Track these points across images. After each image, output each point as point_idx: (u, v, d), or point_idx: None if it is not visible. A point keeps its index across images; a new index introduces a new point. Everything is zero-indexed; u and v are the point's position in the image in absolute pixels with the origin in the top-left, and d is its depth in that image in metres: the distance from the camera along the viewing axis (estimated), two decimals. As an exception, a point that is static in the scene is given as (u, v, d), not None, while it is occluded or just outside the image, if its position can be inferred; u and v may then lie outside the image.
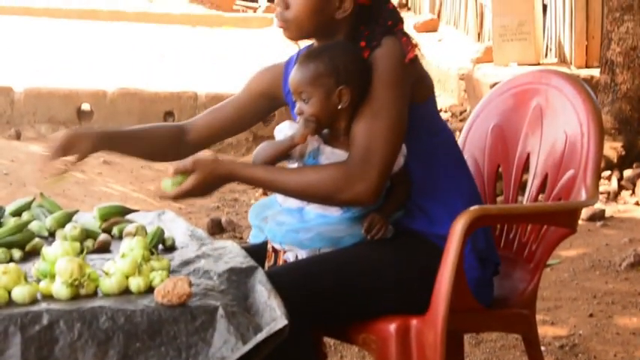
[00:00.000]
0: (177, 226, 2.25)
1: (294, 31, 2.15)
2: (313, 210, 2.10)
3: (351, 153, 2.04)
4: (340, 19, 2.12)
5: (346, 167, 2.02)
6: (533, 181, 2.44)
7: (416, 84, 2.12)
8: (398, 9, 2.19)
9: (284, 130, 2.12)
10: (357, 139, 2.04)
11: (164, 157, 2.40)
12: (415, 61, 2.10)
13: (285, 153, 2.09)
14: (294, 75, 2.09)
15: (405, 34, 2.12)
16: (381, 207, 2.10)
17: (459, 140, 2.63)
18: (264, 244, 2.19)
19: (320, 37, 2.15)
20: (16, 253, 2.01)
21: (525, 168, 2.48)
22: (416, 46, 2.11)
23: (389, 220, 2.12)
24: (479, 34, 9.01)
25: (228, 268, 1.94)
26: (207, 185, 2.08)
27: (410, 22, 10.21)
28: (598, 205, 5.05)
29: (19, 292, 1.77)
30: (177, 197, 2.08)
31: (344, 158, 2.05)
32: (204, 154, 2.35)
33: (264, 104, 2.36)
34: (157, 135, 2.35)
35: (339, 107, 2.06)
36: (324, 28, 2.13)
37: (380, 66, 2.06)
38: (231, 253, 2.04)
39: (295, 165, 2.11)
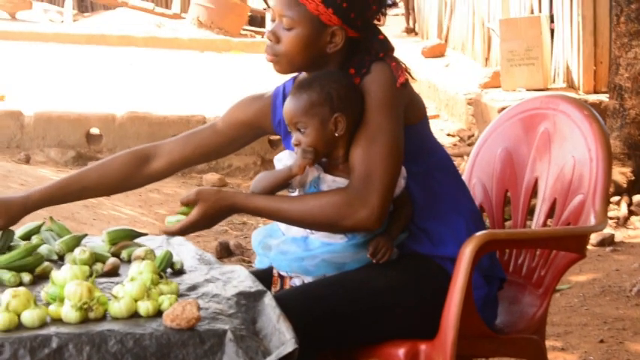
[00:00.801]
0: (185, 250, 2.25)
1: (285, 65, 2.15)
2: (318, 238, 2.10)
3: (351, 179, 2.05)
4: (331, 52, 2.13)
5: (348, 194, 2.02)
6: (541, 206, 2.44)
7: (408, 106, 2.13)
8: (403, 34, 2.20)
9: (283, 160, 2.12)
10: (356, 165, 2.04)
11: (124, 188, 2.37)
12: (406, 84, 2.10)
13: (283, 183, 2.09)
14: (288, 106, 2.09)
15: (394, 59, 2.12)
16: (385, 231, 2.10)
17: (467, 165, 2.63)
18: (270, 269, 2.19)
19: (310, 71, 2.16)
20: (26, 277, 2.02)
21: (534, 193, 2.48)
22: (406, 69, 2.12)
23: (394, 243, 2.12)
24: (486, 59, 9.05)
25: (236, 292, 1.94)
26: (210, 217, 2.09)
27: (417, 47, 10.26)
28: (608, 230, 5.04)
29: (29, 316, 1.77)
30: (182, 230, 2.10)
31: (344, 185, 2.06)
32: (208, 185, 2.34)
33: (247, 133, 2.35)
34: (109, 171, 2.32)
35: (336, 135, 2.07)
36: (315, 62, 2.13)
37: (372, 91, 2.07)
38: (239, 277, 2.04)
39: (295, 194, 2.12)
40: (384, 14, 2.18)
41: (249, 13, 13.35)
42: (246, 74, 9.55)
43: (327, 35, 2.11)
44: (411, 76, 2.13)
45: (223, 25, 12.41)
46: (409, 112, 2.12)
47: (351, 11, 2.09)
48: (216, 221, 2.11)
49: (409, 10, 14.06)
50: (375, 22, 2.16)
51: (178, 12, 13.28)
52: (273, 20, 2.15)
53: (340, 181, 2.07)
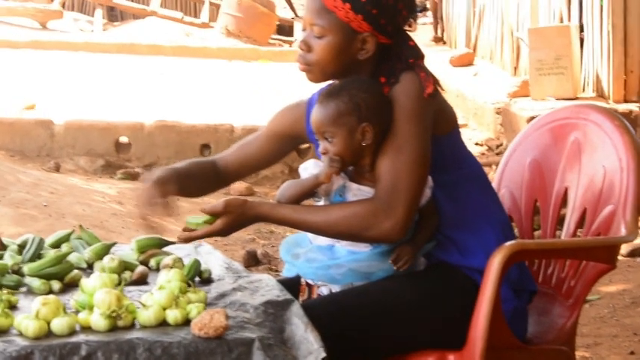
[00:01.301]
0: (213, 259, 2.26)
1: (317, 74, 2.15)
2: (343, 246, 2.10)
3: (377, 190, 2.04)
4: (363, 59, 2.12)
5: (373, 204, 2.02)
6: (571, 216, 2.42)
7: (437, 117, 2.12)
8: (432, 43, 2.20)
9: (309, 169, 2.12)
10: (382, 175, 2.04)
11: (203, 193, 2.40)
12: (434, 94, 2.10)
13: (309, 192, 2.09)
14: (316, 115, 2.10)
15: (424, 69, 2.12)
16: (410, 239, 2.10)
17: (496, 174, 2.62)
18: (298, 277, 2.19)
19: (343, 78, 2.15)
20: (56, 285, 2.03)
21: (563, 203, 2.46)
22: (434, 80, 2.11)
23: (419, 252, 2.12)
24: (515, 68, 9.00)
25: (264, 300, 1.94)
26: (235, 227, 2.10)
27: (445, 56, 10.23)
28: (638, 241, 4.98)
29: (58, 324, 1.78)
30: (203, 237, 2.10)
31: (370, 194, 2.06)
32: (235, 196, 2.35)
33: (286, 143, 2.36)
34: (200, 173, 2.34)
35: (363, 144, 2.07)
36: (346, 69, 2.13)
37: (400, 101, 2.07)
38: (267, 286, 2.04)
39: (321, 202, 2.12)
40: (415, 20, 2.17)
41: (277, 22, 13.39)
42: (274, 83, 9.58)
43: (358, 42, 2.11)
44: (440, 86, 2.13)
45: (251, 34, 12.46)
46: (439, 122, 2.12)
47: (382, 17, 2.09)
48: (237, 230, 2.12)
49: (437, 19, 14.03)
50: (406, 28, 2.16)
51: (207, 21, 13.34)
52: (304, 29, 2.16)
53: (366, 190, 2.07)
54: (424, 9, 2.54)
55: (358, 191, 2.08)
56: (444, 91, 2.17)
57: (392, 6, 2.10)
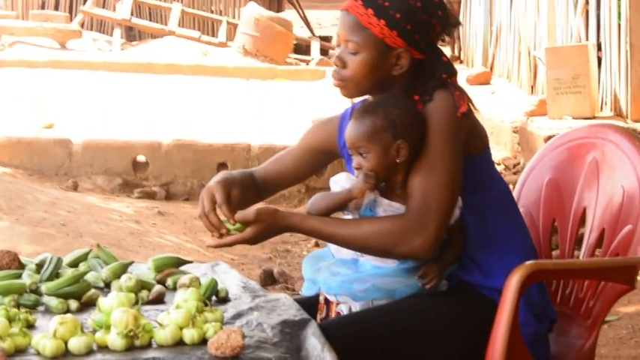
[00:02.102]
0: (230, 278, 2.26)
1: (352, 90, 2.16)
2: (368, 261, 2.10)
3: (408, 207, 2.04)
4: (397, 75, 2.13)
5: (404, 221, 2.03)
6: (589, 236, 2.40)
7: (469, 136, 2.12)
8: (451, 62, 2.21)
9: (340, 182, 2.13)
10: (415, 193, 2.04)
11: (250, 204, 2.36)
12: (468, 114, 2.10)
13: (341, 205, 2.10)
14: (351, 130, 2.10)
15: (458, 88, 2.12)
16: (436, 258, 2.09)
17: (514, 193, 2.61)
18: (316, 296, 2.18)
19: (377, 94, 2.17)
20: (73, 304, 2.03)
21: (581, 222, 2.45)
22: (469, 99, 2.11)
23: (445, 272, 2.11)
24: (532, 87, 8.99)
25: (281, 320, 1.94)
26: (265, 236, 2.11)
27: (462, 74, 10.23)
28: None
29: (76, 343, 1.78)
30: (233, 244, 2.10)
31: (400, 211, 2.06)
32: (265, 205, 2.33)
33: (319, 158, 2.37)
34: (250, 182, 2.32)
35: (397, 161, 2.07)
36: (381, 84, 2.14)
37: (433, 119, 2.07)
38: (284, 306, 2.04)
39: (350, 216, 2.12)
40: (448, 35, 2.18)
41: (295, 41, 13.44)
42: (291, 101, 9.60)
43: (392, 58, 2.11)
44: (473, 106, 2.13)
45: (269, 53, 12.50)
46: (470, 142, 2.12)
47: (416, 33, 2.10)
48: (266, 239, 2.13)
49: (454, 38, 14.06)
50: (440, 43, 2.17)
51: (224, 40, 13.41)
52: (338, 45, 2.17)
53: (396, 206, 2.08)
54: (457, 24, 2.51)
55: (389, 207, 2.08)
56: (477, 111, 2.17)
57: (426, 21, 2.11)
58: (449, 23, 2.16)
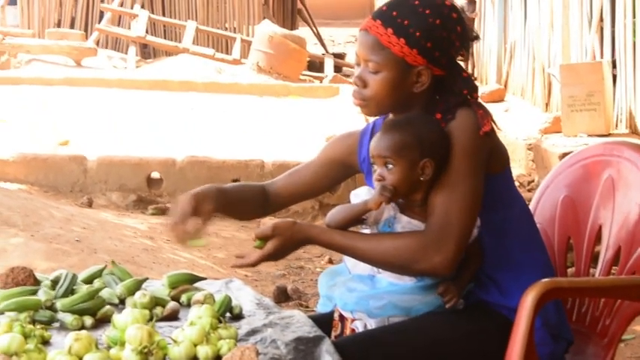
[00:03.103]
0: (244, 295, 2.26)
1: (373, 109, 2.16)
2: (385, 277, 2.10)
3: (428, 224, 2.04)
4: (418, 92, 2.13)
5: (424, 238, 2.02)
6: (605, 254, 2.39)
7: (491, 155, 2.12)
8: (472, 77, 2.20)
9: (361, 195, 2.13)
10: (436, 210, 2.04)
11: (250, 217, 2.41)
12: (490, 133, 2.10)
13: (358, 218, 2.09)
14: (379, 141, 2.10)
15: (481, 106, 2.12)
16: (454, 278, 2.09)
17: (529, 211, 2.60)
18: (331, 313, 2.18)
19: (398, 111, 2.17)
20: (88, 320, 2.04)
21: (597, 240, 2.43)
22: (491, 118, 2.11)
23: (462, 292, 2.10)
24: (547, 104, 8.98)
25: (295, 337, 1.94)
26: (285, 250, 2.10)
27: (476, 92, 10.24)
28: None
29: (91, 359, 1.79)
30: (257, 263, 2.10)
31: (419, 228, 2.05)
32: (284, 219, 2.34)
33: (338, 171, 2.36)
34: (250, 196, 2.34)
35: (421, 179, 2.07)
36: (402, 102, 2.14)
37: (456, 138, 2.07)
38: (298, 323, 2.04)
39: (368, 231, 2.11)
40: (467, 49, 2.18)
41: (308, 59, 13.48)
42: (304, 118, 9.62)
43: (413, 76, 2.11)
44: (496, 125, 2.13)
45: (282, 70, 12.54)
46: (492, 161, 2.12)
47: (436, 50, 2.10)
48: (288, 253, 2.13)
49: (468, 55, 14.03)
50: (459, 58, 2.17)
51: (238, 57, 13.47)
52: (357, 64, 2.17)
53: (415, 224, 2.07)
54: (476, 37, 2.52)
55: (408, 224, 2.08)
56: (499, 130, 2.17)
57: (446, 38, 2.10)
58: (468, 38, 2.16)
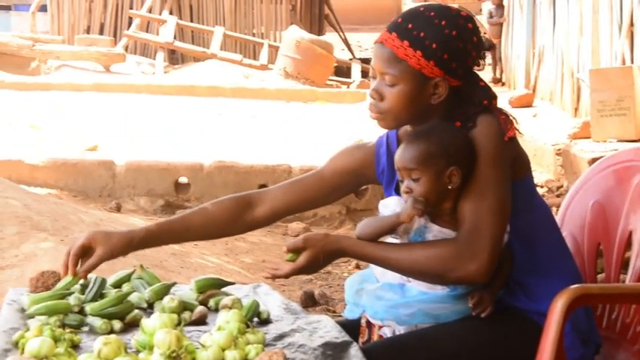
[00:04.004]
0: (272, 299, 2.26)
1: (391, 121, 2.14)
2: (415, 286, 2.09)
3: (460, 232, 2.03)
4: (435, 104, 2.12)
5: (457, 246, 2.01)
6: (636, 260, 2.37)
7: (515, 161, 2.11)
8: (490, 84, 2.19)
9: (390, 206, 2.11)
10: (466, 218, 2.03)
11: (226, 233, 2.36)
12: (514, 138, 2.09)
13: (389, 230, 2.08)
14: (404, 153, 2.08)
15: (503, 112, 2.11)
16: (486, 285, 2.08)
17: (558, 216, 2.58)
18: (358, 319, 2.17)
19: (415, 124, 2.15)
20: (117, 325, 2.05)
21: (627, 246, 2.41)
22: (514, 123, 2.10)
23: (495, 299, 2.09)
24: (576, 110, 8.92)
25: (322, 342, 1.94)
26: (319, 262, 2.08)
27: (504, 97, 10.18)
28: None
29: (119, 363, 1.80)
30: (289, 275, 2.09)
31: (450, 237, 2.04)
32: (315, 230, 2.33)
33: (350, 181, 2.33)
34: (213, 215, 2.30)
35: (449, 188, 2.06)
36: (420, 115, 2.12)
37: (481, 145, 2.06)
38: (325, 328, 2.04)
39: (398, 240, 2.10)
40: (483, 58, 2.17)
41: (335, 64, 13.49)
42: (331, 124, 9.63)
43: (430, 87, 2.10)
44: (518, 130, 2.11)
45: (309, 75, 12.57)
46: (515, 166, 2.11)
47: (453, 61, 2.09)
48: (323, 266, 2.10)
49: (496, 61, 14.01)
50: (475, 68, 2.16)
51: (266, 63, 13.51)
52: (374, 77, 2.15)
53: (446, 232, 2.06)
54: (491, 47, 2.52)
55: (439, 233, 2.06)
56: (521, 135, 2.15)
57: (462, 49, 2.09)
58: (482, 46, 2.15)
